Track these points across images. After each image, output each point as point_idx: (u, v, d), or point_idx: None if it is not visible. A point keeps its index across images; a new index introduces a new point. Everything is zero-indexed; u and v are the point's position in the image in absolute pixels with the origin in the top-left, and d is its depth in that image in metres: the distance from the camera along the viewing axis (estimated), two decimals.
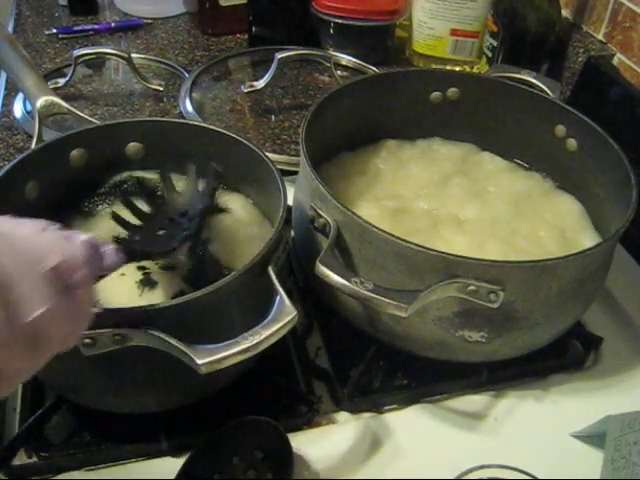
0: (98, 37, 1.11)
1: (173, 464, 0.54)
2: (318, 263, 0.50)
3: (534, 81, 0.72)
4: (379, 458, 0.56)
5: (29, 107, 0.88)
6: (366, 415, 0.60)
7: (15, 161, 0.56)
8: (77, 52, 0.92)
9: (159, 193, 0.63)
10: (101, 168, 0.64)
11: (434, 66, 1.03)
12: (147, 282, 0.55)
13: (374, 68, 1.02)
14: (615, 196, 0.63)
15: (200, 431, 0.53)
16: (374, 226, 0.53)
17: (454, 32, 1.00)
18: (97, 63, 1.02)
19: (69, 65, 0.94)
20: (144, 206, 0.59)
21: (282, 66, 0.94)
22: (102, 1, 1.20)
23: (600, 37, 0.99)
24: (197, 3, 1.10)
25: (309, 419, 0.58)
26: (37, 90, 0.68)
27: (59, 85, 0.93)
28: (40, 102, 0.67)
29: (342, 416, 0.59)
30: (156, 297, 0.54)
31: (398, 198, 0.68)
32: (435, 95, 0.74)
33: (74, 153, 0.62)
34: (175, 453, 0.55)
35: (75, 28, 1.11)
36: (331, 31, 1.05)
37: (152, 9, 1.17)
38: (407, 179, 0.70)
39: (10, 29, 1.13)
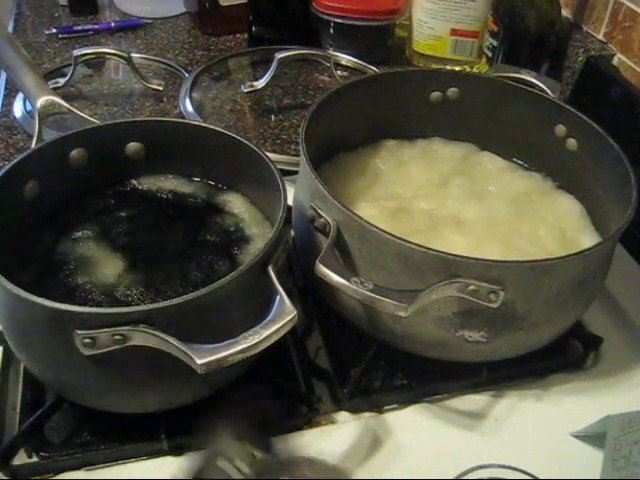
0: (98, 37, 1.11)
1: (173, 464, 0.54)
2: (318, 263, 0.50)
3: (534, 81, 0.72)
4: (379, 458, 0.56)
5: (29, 107, 0.88)
6: (366, 415, 0.59)
7: (15, 161, 0.56)
8: (77, 52, 0.91)
9: None
10: (101, 168, 0.64)
11: (434, 66, 1.03)
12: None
13: (374, 68, 1.02)
14: (615, 196, 0.63)
15: (200, 431, 0.53)
16: (374, 226, 0.53)
17: (454, 32, 1.00)
18: (97, 63, 1.02)
19: (69, 65, 0.94)
20: None
21: (282, 66, 0.94)
22: (102, 1, 1.20)
23: (600, 37, 0.99)
24: (197, 3, 1.10)
25: (309, 419, 0.58)
26: (37, 90, 0.68)
27: (59, 85, 0.93)
28: (40, 102, 0.67)
29: (342, 416, 0.59)
30: None
31: (398, 198, 0.67)
32: (435, 95, 0.74)
33: (74, 153, 0.62)
34: (175, 453, 0.55)
35: (75, 28, 1.11)
36: (331, 31, 1.05)
37: (152, 9, 1.17)
38: (407, 179, 0.70)
39: (10, 29, 1.12)
